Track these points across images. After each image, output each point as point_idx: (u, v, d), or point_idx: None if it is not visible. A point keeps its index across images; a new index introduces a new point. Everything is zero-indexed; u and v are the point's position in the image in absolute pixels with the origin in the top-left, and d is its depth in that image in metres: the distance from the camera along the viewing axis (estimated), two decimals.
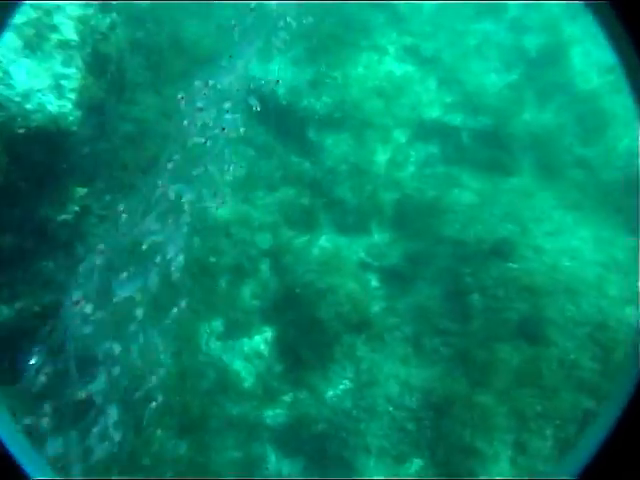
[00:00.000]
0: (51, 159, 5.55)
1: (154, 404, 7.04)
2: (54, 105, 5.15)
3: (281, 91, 9.53)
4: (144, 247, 7.50)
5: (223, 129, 8.10)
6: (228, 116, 8.52)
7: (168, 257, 7.90)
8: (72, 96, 5.29)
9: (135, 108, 7.84)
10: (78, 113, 5.38)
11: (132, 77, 8.00)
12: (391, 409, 7.78)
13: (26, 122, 5.03)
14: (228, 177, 9.15)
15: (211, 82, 7.98)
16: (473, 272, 8.33)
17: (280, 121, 9.25)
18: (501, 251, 8.49)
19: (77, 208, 6.76)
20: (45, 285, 6.48)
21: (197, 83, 7.31)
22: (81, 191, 6.79)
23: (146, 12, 8.16)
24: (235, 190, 9.17)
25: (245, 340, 8.32)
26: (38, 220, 6.46)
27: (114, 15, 5.94)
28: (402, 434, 7.60)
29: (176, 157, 7.85)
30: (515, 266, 8.36)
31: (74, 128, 5.36)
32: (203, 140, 8.00)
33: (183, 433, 7.41)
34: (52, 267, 6.69)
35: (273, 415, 7.93)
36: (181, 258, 7.88)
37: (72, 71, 5.26)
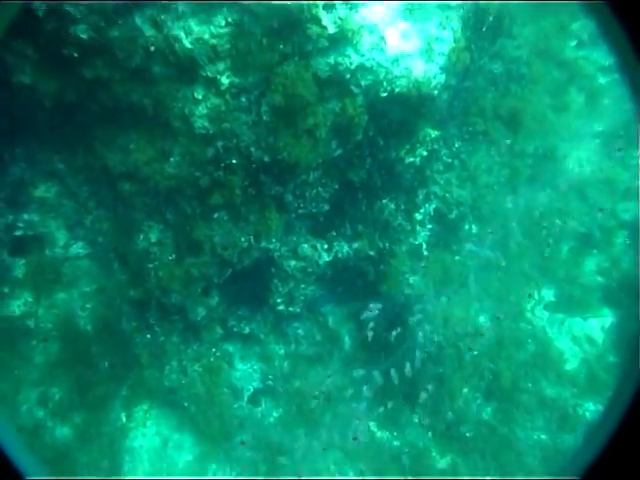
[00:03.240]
0: (408, 116, 5.98)
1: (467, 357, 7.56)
2: (420, 70, 5.48)
3: None
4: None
5: None
6: None
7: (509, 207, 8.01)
8: (440, 60, 5.54)
9: (509, 44, 7.71)
10: (442, 77, 5.63)
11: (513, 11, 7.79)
12: None
13: (390, 86, 5.49)
14: (598, 127, 8.58)
15: None
16: None
17: None
18: None
19: (425, 152, 7.17)
20: (384, 228, 7.26)
21: None
22: (432, 133, 7.15)
23: None
24: (602, 141, 8.57)
25: (577, 319, 8.13)
26: (389, 159, 7.10)
27: None
28: None
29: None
30: None
31: (435, 92, 5.64)
32: None
33: (490, 398, 7.84)
34: (392, 209, 7.38)
35: (594, 410, 7.79)
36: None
37: (446, 34, 5.46)
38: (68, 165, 6.98)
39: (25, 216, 7.14)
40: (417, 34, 5.40)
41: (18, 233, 7.18)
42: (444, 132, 7.44)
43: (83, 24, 5.54)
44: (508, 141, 7.58)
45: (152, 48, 5.62)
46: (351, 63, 5.39)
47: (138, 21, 5.53)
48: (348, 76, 5.47)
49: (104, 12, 5.50)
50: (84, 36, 5.60)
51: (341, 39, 5.24)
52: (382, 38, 5.31)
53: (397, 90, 5.53)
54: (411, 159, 7.11)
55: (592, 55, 8.28)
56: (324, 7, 5.06)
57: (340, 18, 5.11)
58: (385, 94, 5.58)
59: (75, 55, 5.76)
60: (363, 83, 5.54)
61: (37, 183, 7.13)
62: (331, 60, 5.39)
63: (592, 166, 8.40)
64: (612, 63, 8.33)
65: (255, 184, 6.23)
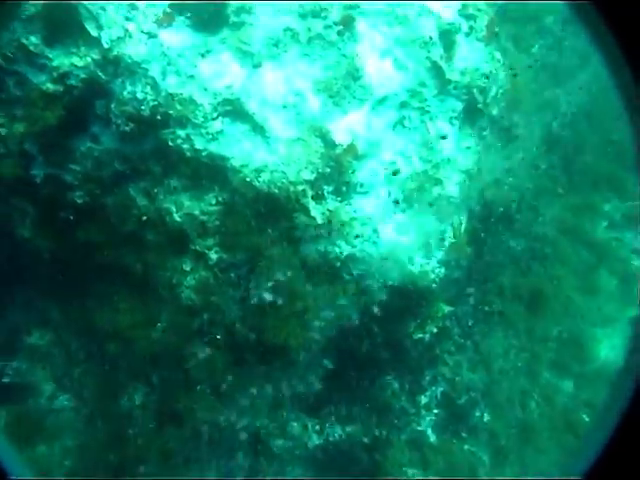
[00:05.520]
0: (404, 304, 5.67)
1: None
2: (416, 264, 5.20)
3: None
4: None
5: None
6: None
7: None
8: (439, 254, 5.25)
9: (533, 221, 7.39)
10: (441, 271, 5.33)
11: (539, 180, 7.56)
12: None
13: (383, 279, 5.21)
14: (632, 313, 7.99)
15: None
16: None
17: None
18: None
19: (435, 329, 6.75)
20: (382, 410, 6.74)
21: None
22: (445, 309, 6.75)
23: (579, 111, 7.45)
24: None
25: None
26: (397, 333, 6.70)
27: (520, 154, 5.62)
28: None
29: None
30: None
31: (434, 286, 5.32)
32: None
33: None
34: (396, 388, 6.90)
35: None
36: None
37: (445, 228, 5.20)
38: (63, 315, 6.89)
39: (14, 363, 6.99)
40: (414, 228, 5.16)
41: (5, 380, 7.02)
42: (457, 309, 7.05)
43: (79, 190, 5.57)
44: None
45: (144, 218, 5.56)
46: (341, 252, 5.16)
47: (132, 191, 5.51)
48: (338, 264, 5.23)
49: (100, 181, 5.52)
50: (79, 201, 5.62)
51: (331, 229, 5.04)
52: (375, 230, 5.09)
53: (390, 283, 5.24)
54: (420, 335, 6.70)
55: (625, 237, 7.85)
56: (313, 197, 4.91)
57: (329, 210, 4.94)
58: (378, 285, 5.29)
59: (71, 217, 5.78)
60: (355, 272, 5.28)
61: (32, 330, 7.04)
62: (321, 247, 5.18)
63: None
64: None
65: (239, 361, 5.92)
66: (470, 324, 7.21)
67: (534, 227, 7.46)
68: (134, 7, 4.51)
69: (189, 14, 4.69)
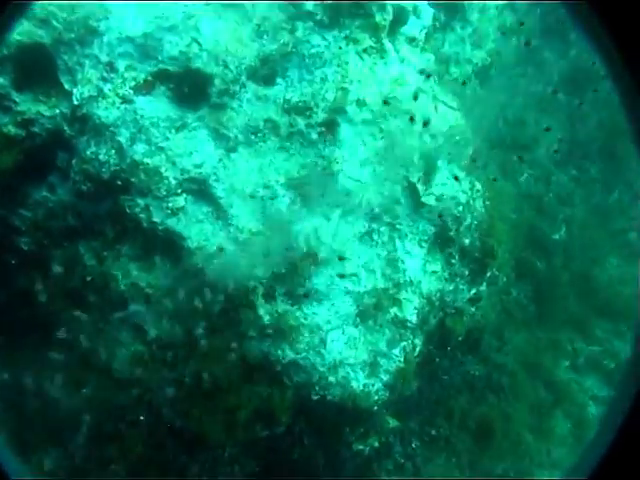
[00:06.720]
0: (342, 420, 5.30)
1: None
2: (359, 383, 4.88)
3: None
4: None
5: None
6: None
7: None
8: (384, 377, 4.94)
9: (495, 348, 7.12)
10: (385, 394, 5.00)
11: (508, 307, 7.35)
12: None
13: (323, 392, 4.89)
14: None
15: None
16: None
17: None
18: None
19: (377, 443, 6.35)
20: None
21: None
22: (392, 423, 6.38)
23: (557, 246, 7.30)
24: None
25: None
26: (336, 441, 6.30)
27: (482, 288, 5.39)
28: None
29: None
30: None
31: (375, 408, 4.98)
32: None
33: None
34: None
35: None
36: None
37: (395, 352, 4.91)
38: None
39: None
40: (363, 345, 4.86)
41: None
42: (404, 425, 6.67)
43: (26, 237, 5.27)
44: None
45: (89, 278, 5.25)
46: (284, 357, 4.84)
47: (81, 249, 5.21)
48: (279, 368, 4.90)
49: (50, 231, 5.23)
50: (25, 247, 5.31)
51: (277, 332, 4.74)
52: (322, 341, 4.79)
53: (329, 398, 4.91)
54: (360, 447, 6.30)
55: (586, 381, 7.58)
56: (264, 295, 4.62)
57: (278, 312, 4.64)
58: (317, 397, 4.95)
59: (12, 262, 5.45)
60: (295, 379, 4.95)
61: None
62: (264, 348, 4.86)
63: None
64: (606, 395, 7.62)
65: (159, 446, 5.48)
66: (414, 445, 6.82)
67: (495, 355, 7.18)
68: (114, 69, 4.33)
69: (171, 85, 4.52)
